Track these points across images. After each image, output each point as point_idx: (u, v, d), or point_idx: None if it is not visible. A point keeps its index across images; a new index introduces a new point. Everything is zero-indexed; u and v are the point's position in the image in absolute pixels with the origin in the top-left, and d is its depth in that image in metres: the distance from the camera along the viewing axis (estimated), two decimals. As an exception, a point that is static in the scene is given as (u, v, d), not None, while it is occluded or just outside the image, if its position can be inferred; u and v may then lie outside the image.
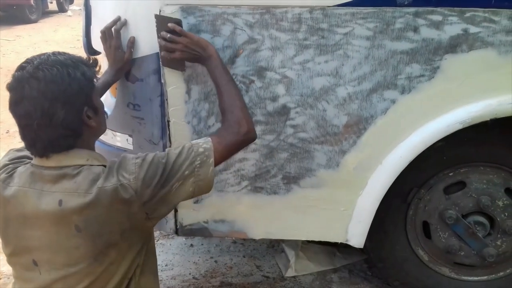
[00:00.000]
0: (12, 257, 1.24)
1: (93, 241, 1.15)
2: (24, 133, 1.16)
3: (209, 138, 1.28)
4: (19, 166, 1.22)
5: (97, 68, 1.27)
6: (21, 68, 1.15)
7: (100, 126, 1.28)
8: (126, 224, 1.18)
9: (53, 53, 1.19)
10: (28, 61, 1.16)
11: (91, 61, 1.26)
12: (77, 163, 1.18)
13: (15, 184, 1.18)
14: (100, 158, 1.25)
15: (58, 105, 1.13)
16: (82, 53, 1.75)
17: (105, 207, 1.14)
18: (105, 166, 1.20)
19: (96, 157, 1.24)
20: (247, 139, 1.35)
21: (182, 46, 1.40)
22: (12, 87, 1.14)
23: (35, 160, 1.20)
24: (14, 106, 1.14)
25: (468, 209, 1.77)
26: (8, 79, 1.16)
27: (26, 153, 1.27)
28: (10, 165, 1.24)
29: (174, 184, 1.20)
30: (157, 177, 1.18)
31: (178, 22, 1.43)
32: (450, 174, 1.74)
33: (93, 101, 1.22)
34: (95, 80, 1.24)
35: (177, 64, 1.50)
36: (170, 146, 1.63)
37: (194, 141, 1.28)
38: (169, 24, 1.40)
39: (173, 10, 1.45)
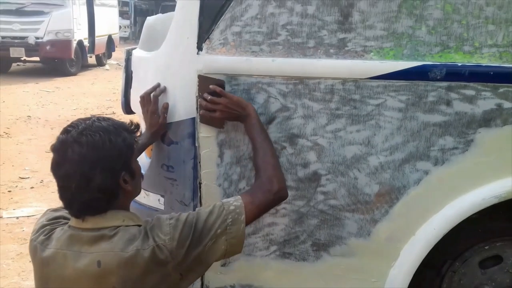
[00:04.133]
0: None
1: None
2: (62, 194, 1.21)
3: (239, 196, 1.31)
4: (57, 228, 1.26)
5: (138, 134, 1.31)
6: (66, 131, 1.20)
7: (136, 189, 1.32)
8: (162, 286, 1.20)
9: (98, 119, 1.24)
10: (73, 125, 1.21)
11: (132, 126, 1.30)
12: (113, 224, 1.21)
13: (53, 246, 1.21)
14: (135, 217, 1.27)
15: (97, 170, 1.17)
16: (116, 105, 1.82)
17: (142, 269, 1.17)
18: (139, 225, 1.23)
19: (131, 217, 1.26)
20: (278, 198, 1.37)
21: (223, 107, 1.46)
22: (55, 149, 1.19)
23: (73, 221, 1.23)
24: (56, 168, 1.19)
25: (505, 285, 1.69)
26: (46, 129, 1.20)
27: (63, 213, 1.30)
28: (47, 226, 1.27)
29: (207, 243, 1.23)
30: (190, 237, 1.21)
31: (221, 83, 1.49)
32: (486, 247, 1.68)
33: (131, 166, 1.26)
34: (135, 145, 1.28)
35: (216, 122, 1.54)
36: (200, 209, 1.65)
37: (224, 200, 1.31)
38: (210, 86, 1.47)
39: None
